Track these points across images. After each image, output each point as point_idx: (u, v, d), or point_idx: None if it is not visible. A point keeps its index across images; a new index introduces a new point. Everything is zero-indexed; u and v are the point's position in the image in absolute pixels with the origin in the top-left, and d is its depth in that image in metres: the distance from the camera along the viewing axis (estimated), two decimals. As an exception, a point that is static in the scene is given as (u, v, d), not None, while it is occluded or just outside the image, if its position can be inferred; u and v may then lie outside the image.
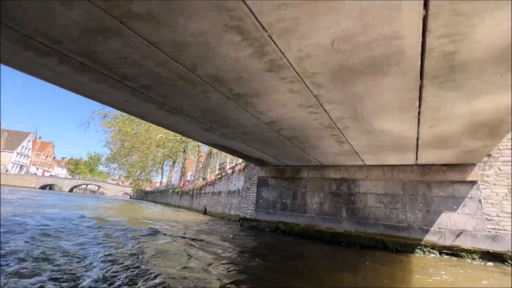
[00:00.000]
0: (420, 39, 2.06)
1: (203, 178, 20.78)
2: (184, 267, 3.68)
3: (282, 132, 4.77)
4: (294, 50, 2.36)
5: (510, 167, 5.20)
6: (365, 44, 2.16)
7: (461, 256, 5.22)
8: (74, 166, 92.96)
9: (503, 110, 3.08)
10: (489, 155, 5.42)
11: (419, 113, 3.34)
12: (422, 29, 1.94)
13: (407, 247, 5.76)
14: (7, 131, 75.35)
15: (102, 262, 3.56)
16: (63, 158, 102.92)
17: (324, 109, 3.55)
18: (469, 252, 5.17)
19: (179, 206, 24.74)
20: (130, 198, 58.94)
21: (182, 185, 28.51)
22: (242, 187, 9.19)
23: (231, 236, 7.07)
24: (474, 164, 5.45)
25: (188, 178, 36.49)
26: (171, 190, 30.15)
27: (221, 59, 2.61)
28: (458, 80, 2.59)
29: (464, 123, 3.56)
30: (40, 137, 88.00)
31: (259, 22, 2.04)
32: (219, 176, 14.84)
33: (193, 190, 20.35)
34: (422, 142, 4.38)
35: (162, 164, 47.07)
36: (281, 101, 3.47)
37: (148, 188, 51.78)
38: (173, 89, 3.42)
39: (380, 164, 6.44)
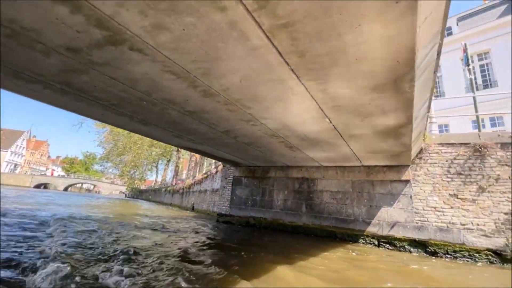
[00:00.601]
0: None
1: (193, 177, 21.59)
2: (155, 243, 4.55)
3: (239, 139, 5.63)
4: (216, 85, 3.21)
5: (435, 168, 6.11)
6: (260, 82, 3.02)
7: (394, 244, 6.14)
8: (69, 165, 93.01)
9: (393, 127, 3.96)
10: (420, 158, 6.33)
11: (334, 126, 4.21)
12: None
13: (353, 237, 6.67)
14: (1, 130, 75.21)
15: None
16: (58, 156, 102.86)
17: (261, 122, 4.41)
18: (400, 240, 6.09)
19: (170, 204, 25.55)
20: (126, 196, 59.41)
21: (174, 184, 29.27)
22: (220, 186, 10.05)
23: (203, 227, 7.96)
24: (408, 166, 6.36)
25: (183, 177, 37.25)
26: (163, 189, 30.90)
27: (167, 89, 3.46)
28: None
29: (371, 136, 4.44)
30: (34, 136, 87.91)
31: (184, 69, 2.89)
32: (205, 175, 15.67)
33: (183, 188, 21.16)
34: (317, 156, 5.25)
35: (157, 163, 47.79)
36: (225, 117, 4.32)
37: (142, 187, 52.41)
38: (138, 107, 4.25)
39: (334, 165, 7.33)
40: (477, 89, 15.18)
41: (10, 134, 76.79)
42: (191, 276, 3.20)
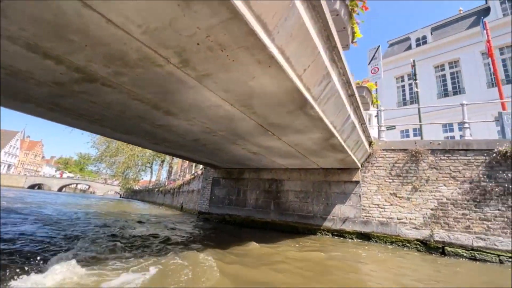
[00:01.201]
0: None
1: (183, 178, 22.41)
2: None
3: (208, 146, 6.52)
4: (173, 108, 4.10)
5: (380, 170, 7.07)
6: (205, 107, 3.92)
7: (343, 236, 7.08)
8: (63, 165, 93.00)
9: (323, 138, 4.88)
10: (369, 162, 7.28)
11: (278, 137, 5.12)
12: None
13: (312, 231, 7.60)
14: (-5, 131, 75.03)
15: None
16: (52, 157, 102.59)
17: (219, 134, 5.31)
18: (350, 233, 7.03)
19: (162, 204, 26.34)
20: (120, 197, 59.87)
21: (167, 185, 30.04)
22: (201, 186, 10.94)
23: (183, 222, 8.85)
24: (358, 169, 7.30)
25: (177, 177, 37.98)
26: (156, 189, 31.62)
27: (136, 109, 4.34)
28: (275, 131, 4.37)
29: (312, 145, 5.37)
30: (28, 136, 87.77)
31: (145, 97, 3.77)
32: (193, 176, 16.52)
33: (174, 189, 21.98)
34: (301, 153, 6.18)
35: (151, 164, 48.39)
36: (189, 129, 5.22)
37: (137, 187, 52.97)
38: (117, 121, 5.13)
39: (298, 168, 8.26)
40: (447, 96, 16.26)
41: (4, 135, 76.60)
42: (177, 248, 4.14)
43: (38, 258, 3.57)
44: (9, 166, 79.31)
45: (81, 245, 4.50)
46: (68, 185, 72.03)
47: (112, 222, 8.19)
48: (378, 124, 7.84)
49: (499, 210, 5.58)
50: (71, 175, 74.06)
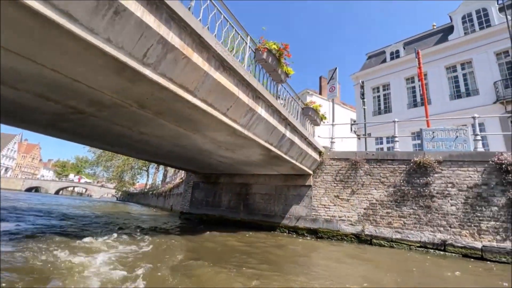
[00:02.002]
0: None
1: (173, 182, 23.69)
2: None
3: (182, 155, 7.87)
4: (144, 130, 5.46)
5: (328, 176, 8.43)
6: (167, 130, 5.30)
7: (297, 232, 8.41)
8: (61, 168, 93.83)
9: (265, 154, 6.24)
10: (319, 169, 8.64)
11: (232, 151, 6.48)
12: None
13: (273, 227, 8.92)
14: (-7, 134, 75.99)
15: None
16: (49, 160, 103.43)
17: (187, 148, 6.66)
18: (302, 229, 8.36)
19: (155, 206, 27.59)
20: (117, 199, 60.93)
21: (161, 187, 31.29)
22: (183, 189, 12.27)
23: (168, 222, 10.17)
24: (310, 174, 8.66)
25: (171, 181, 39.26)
26: (150, 192, 32.84)
27: (117, 131, 5.69)
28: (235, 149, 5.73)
29: (261, 158, 6.73)
30: (26, 139, 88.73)
31: (124, 123, 5.13)
32: (181, 180, 17.83)
33: (165, 192, 23.25)
34: (256, 162, 7.55)
35: (148, 167, 49.62)
36: (162, 144, 6.57)
37: (133, 190, 54.08)
38: (104, 137, 6.49)
39: (264, 174, 9.61)
40: (416, 106, 17.69)
41: (2, 138, 77.56)
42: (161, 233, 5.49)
43: (86, 234, 5.25)
44: (6, 169, 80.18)
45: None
46: (65, 188, 72.98)
47: (115, 219, 9.95)
48: (330, 136, 9.22)
49: (412, 209, 6.95)
50: (88, 180, 74.45)
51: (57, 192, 64.40)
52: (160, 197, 26.46)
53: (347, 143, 19.26)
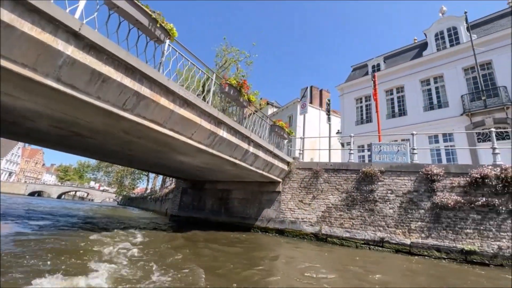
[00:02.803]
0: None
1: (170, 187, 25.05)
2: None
3: (169, 166, 9.25)
4: (133, 147, 6.86)
5: (294, 183, 9.75)
6: (151, 149, 6.69)
7: (268, 232, 9.71)
8: (63, 173, 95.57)
9: (232, 167, 7.60)
10: (288, 177, 9.97)
11: (207, 164, 7.84)
12: None
13: (248, 228, 10.23)
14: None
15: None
16: (52, 164, 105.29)
17: (171, 160, 8.03)
18: (271, 229, 9.67)
19: (153, 210, 28.94)
20: (118, 204, 62.34)
21: (159, 192, 32.67)
22: (173, 195, 13.63)
23: (161, 223, 11.53)
24: (280, 182, 9.99)
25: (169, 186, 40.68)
26: (149, 197, 34.21)
27: (111, 146, 7.10)
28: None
29: (230, 168, 8.08)
30: (29, 144, 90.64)
31: (115, 144, 6.54)
32: (175, 186, 19.19)
33: (161, 196, 24.60)
34: (229, 172, 8.90)
35: (148, 172, 51.14)
36: (147, 158, 7.95)
37: (133, 195, 55.51)
38: (101, 152, 7.89)
39: (242, 181, 10.95)
40: (394, 117, 18.97)
41: (6, 143, 79.48)
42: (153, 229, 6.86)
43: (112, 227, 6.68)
44: (10, 173, 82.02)
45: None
46: (67, 192, 74.51)
47: (120, 220, 11.20)
48: (300, 148, 10.57)
49: (360, 212, 8.25)
50: (108, 188, 75.22)
51: (59, 197, 65.90)
52: (157, 202, 27.80)
53: (334, 152, 20.50)
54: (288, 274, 4.48)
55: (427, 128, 16.77)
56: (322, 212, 8.87)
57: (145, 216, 18.77)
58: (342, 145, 20.64)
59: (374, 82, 11.92)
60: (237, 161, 7.38)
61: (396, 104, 19.14)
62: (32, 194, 63.77)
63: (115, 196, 59.54)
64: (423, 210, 7.42)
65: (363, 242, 7.91)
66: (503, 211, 6.52)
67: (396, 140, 17.82)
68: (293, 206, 9.50)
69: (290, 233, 9.23)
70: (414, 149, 8.43)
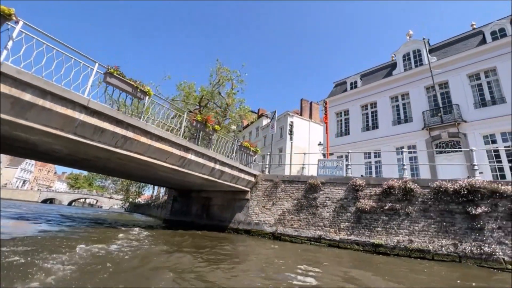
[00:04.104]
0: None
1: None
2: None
3: (161, 178, 11.69)
4: (130, 166, 9.34)
5: (259, 192, 12.02)
6: (138, 167, 9.17)
7: (238, 232, 11.97)
8: (73, 181, 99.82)
9: (204, 181, 9.98)
10: (255, 187, 12.25)
11: (183, 179, 10.25)
12: None
13: (224, 229, 12.52)
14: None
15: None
16: (63, 173, 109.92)
17: (159, 174, 10.48)
18: (240, 230, 11.93)
19: (155, 216, 31.49)
20: (125, 210, 65.39)
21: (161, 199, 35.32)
22: (166, 202, 16.06)
23: (156, 224, 13.97)
24: (248, 191, 12.28)
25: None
26: (152, 204, 36.85)
27: (113, 165, 9.59)
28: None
29: (202, 181, 10.46)
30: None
31: (115, 162, 9.03)
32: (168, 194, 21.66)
33: (162, 203, 27.12)
34: (203, 184, 11.28)
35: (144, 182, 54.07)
36: (142, 173, 10.42)
37: (140, 201, 58.41)
38: (103, 168, 10.40)
39: (220, 190, 13.28)
40: (368, 130, 21.04)
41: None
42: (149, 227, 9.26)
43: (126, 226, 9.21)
44: (24, 181, 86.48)
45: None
46: (77, 199, 78.19)
47: (124, 222, 13.72)
48: (268, 163, 12.86)
49: (305, 215, 10.45)
50: (115, 195, 77.70)
51: (70, 203, 69.44)
52: (158, 208, 30.36)
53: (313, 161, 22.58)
54: (247, 258, 6.78)
55: (395, 140, 18.87)
56: (279, 215, 11.11)
57: (145, 220, 21.29)
58: (324, 155, 22.76)
59: (325, 108, 14.13)
60: (205, 176, 9.76)
61: (370, 118, 21.25)
62: (44, 201, 67.54)
63: (122, 203, 62.47)
64: (349, 213, 9.59)
65: (306, 239, 10.10)
66: (402, 214, 8.65)
67: (369, 152, 19.90)
68: (258, 211, 11.77)
69: (254, 233, 11.48)
70: (348, 164, 10.63)
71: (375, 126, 20.70)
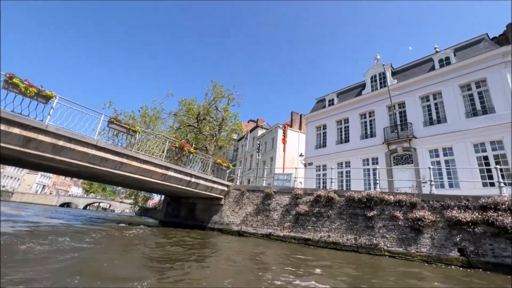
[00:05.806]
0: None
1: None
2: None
3: (156, 189, 15.19)
4: (130, 181, 12.87)
5: (231, 199, 15.26)
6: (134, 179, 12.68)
7: (213, 230, 15.23)
8: (88, 186, 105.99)
9: (183, 191, 13.37)
10: (228, 195, 15.51)
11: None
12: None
13: (204, 228, 15.82)
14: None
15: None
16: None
17: (149, 183, 13.96)
18: (216, 229, 15.19)
19: (158, 219, 35.31)
20: (135, 214, 69.98)
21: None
22: (162, 206, 19.56)
23: (154, 224, 17.51)
24: (223, 197, 15.54)
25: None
26: (157, 208, 40.72)
27: (116, 179, 13.14)
28: None
29: (183, 191, 13.85)
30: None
31: (117, 176, 12.58)
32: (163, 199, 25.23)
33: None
34: (184, 192, 14.68)
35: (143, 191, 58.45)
36: (138, 184, 13.93)
37: (149, 205, 62.74)
38: (105, 181, 13.99)
39: (203, 197, 16.61)
40: (342, 143, 23.87)
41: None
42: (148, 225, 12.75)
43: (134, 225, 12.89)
44: (43, 186, 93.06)
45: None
46: (92, 203, 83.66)
47: (130, 222, 17.28)
48: (240, 174, 16.09)
49: (261, 217, 13.62)
50: (126, 200, 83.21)
51: (85, 207, 74.75)
52: (161, 212, 34.11)
53: (301, 170, 25.51)
54: (217, 246, 10.05)
55: (362, 152, 21.68)
56: (243, 217, 14.31)
57: (147, 221, 24.93)
58: (305, 165, 25.70)
59: (284, 132, 17.23)
60: (183, 187, 13.13)
61: (343, 132, 24.13)
62: (62, 205, 73.14)
63: (131, 207, 66.93)
64: (291, 216, 12.69)
65: (261, 235, 13.24)
66: (325, 216, 11.68)
67: (341, 162, 22.74)
68: (229, 214, 15.01)
69: (225, 231, 14.72)
70: (295, 177, 13.72)
71: (347, 139, 23.54)
